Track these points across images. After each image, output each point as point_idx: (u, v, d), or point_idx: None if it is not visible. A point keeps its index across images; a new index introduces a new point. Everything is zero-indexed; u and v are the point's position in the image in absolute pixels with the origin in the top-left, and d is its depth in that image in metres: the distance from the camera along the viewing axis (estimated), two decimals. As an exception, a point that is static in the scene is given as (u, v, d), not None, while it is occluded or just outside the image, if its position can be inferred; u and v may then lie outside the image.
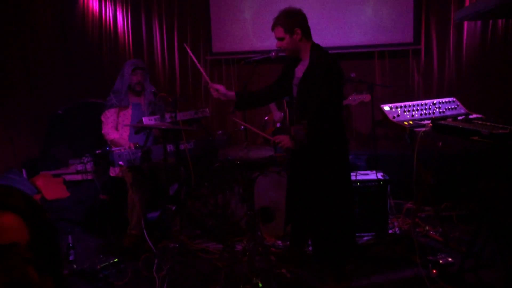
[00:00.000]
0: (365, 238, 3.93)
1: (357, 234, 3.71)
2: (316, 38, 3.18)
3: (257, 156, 3.38)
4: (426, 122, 3.24)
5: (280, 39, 3.08)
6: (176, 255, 3.57)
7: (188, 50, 3.69)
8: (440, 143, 3.62)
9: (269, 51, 3.41)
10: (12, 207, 1.04)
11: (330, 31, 5.63)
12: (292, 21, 3.02)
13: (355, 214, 3.59)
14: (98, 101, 5.73)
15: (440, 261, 3.43)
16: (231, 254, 3.72)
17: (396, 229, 4.13)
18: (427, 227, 4.12)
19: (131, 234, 4.01)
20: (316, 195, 3.11)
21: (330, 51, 3.23)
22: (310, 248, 3.75)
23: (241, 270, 3.38)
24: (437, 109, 3.51)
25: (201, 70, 3.64)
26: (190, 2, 6.12)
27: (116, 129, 4.18)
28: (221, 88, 3.37)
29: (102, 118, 4.16)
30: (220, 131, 4.37)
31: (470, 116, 3.32)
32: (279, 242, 3.96)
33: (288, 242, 3.74)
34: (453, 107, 3.56)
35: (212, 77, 6.16)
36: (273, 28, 3.10)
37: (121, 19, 6.34)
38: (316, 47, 3.09)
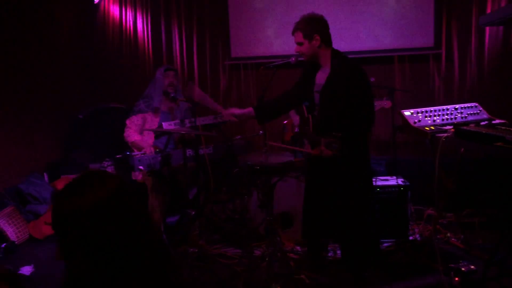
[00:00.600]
0: (385, 245, 3.88)
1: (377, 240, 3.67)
2: (336, 43, 3.17)
3: (276, 161, 3.37)
4: (448, 127, 3.19)
5: (299, 43, 3.09)
6: (195, 260, 3.58)
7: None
8: (463, 149, 3.56)
9: (289, 56, 3.41)
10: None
11: (349, 36, 5.60)
12: (312, 27, 3.02)
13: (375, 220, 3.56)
14: (118, 106, 5.80)
15: (462, 269, 3.36)
16: (250, 260, 3.71)
17: (417, 235, 4.07)
18: (448, 234, 4.06)
19: (150, 238, 4.03)
20: (341, 201, 3.08)
21: (349, 56, 3.21)
22: (330, 254, 3.73)
23: (260, 275, 3.37)
24: (459, 115, 3.45)
25: (210, 103, 3.66)
26: (209, 7, 6.16)
27: (141, 134, 4.21)
28: (235, 110, 3.39)
29: (127, 122, 4.20)
30: (238, 136, 4.37)
31: (493, 122, 3.26)
32: (298, 247, 3.94)
33: (306, 248, 3.73)
34: (475, 112, 3.50)
35: (231, 82, 6.19)
36: (293, 33, 3.10)
37: (141, 25, 6.41)
38: (336, 54, 3.08)
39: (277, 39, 5.84)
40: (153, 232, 1.28)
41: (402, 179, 4.08)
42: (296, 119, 4.73)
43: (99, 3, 6.47)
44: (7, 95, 4.96)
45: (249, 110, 3.37)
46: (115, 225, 1.16)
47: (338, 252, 3.85)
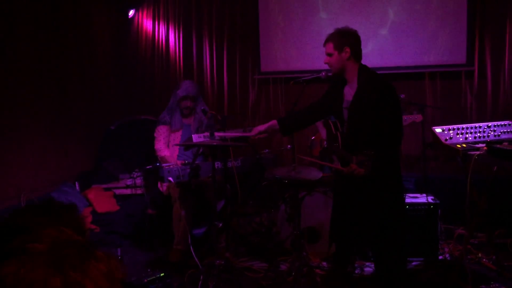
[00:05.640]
0: (414, 263, 3.82)
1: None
2: (365, 58, 3.16)
3: (305, 176, 3.37)
4: (480, 145, 3.15)
5: (329, 54, 3.09)
6: (222, 272, 3.59)
7: None
8: (495, 167, 3.49)
9: (318, 71, 3.42)
10: None
11: (380, 52, 5.58)
12: (344, 39, 3.03)
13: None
14: (149, 118, 5.92)
15: (494, 291, 3.29)
16: (276, 274, 3.70)
17: (447, 255, 3.99)
18: (479, 254, 3.96)
19: (177, 249, 4.08)
20: (375, 219, 3.05)
21: (379, 72, 3.20)
22: (357, 271, 3.69)
23: (286, 290, 3.36)
24: (492, 132, 3.40)
25: (237, 134, 3.73)
26: (240, 22, 6.24)
27: (168, 146, 4.32)
28: (260, 128, 3.41)
29: (155, 134, 4.34)
30: (266, 150, 4.39)
31: (528, 140, 3.20)
32: (324, 263, 3.91)
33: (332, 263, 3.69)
34: (509, 130, 3.44)
35: (260, 96, 6.23)
36: (325, 43, 3.12)
37: (173, 39, 6.54)
38: (364, 69, 3.06)
39: (307, 54, 5.85)
40: None
41: (432, 197, 4.01)
42: (323, 132, 4.71)
43: (133, 17, 6.64)
44: (43, 106, 5.11)
45: (273, 122, 3.38)
46: None
47: (365, 269, 3.81)
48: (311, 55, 5.80)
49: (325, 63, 3.15)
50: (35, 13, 5.00)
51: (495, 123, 3.50)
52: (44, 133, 5.14)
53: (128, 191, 5.34)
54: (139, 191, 5.02)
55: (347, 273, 3.53)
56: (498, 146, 2.89)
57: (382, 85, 2.97)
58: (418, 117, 4.38)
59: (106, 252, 0.95)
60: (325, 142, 4.66)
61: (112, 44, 6.48)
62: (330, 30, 3.16)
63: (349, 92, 3.09)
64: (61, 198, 5.01)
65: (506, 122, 3.51)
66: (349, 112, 3.06)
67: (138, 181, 5.06)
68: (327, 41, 3.10)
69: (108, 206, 5.15)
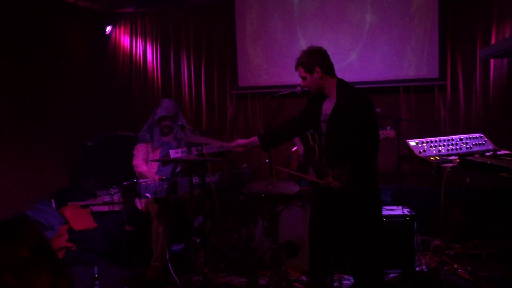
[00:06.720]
0: (392, 275, 3.85)
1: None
2: (341, 74, 3.21)
3: (282, 190, 3.39)
4: (453, 157, 3.21)
5: (302, 78, 3.14)
6: (200, 288, 3.56)
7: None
8: (468, 179, 3.57)
9: (295, 86, 3.46)
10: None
11: (354, 66, 5.69)
12: (311, 60, 3.07)
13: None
14: (126, 134, 5.88)
15: (470, 301, 3.34)
16: (254, 289, 3.69)
17: (424, 266, 4.04)
18: (455, 265, 4.02)
19: (155, 265, 4.04)
20: (352, 233, 3.06)
21: (355, 86, 3.26)
22: (336, 284, 3.70)
23: (265, 305, 3.35)
24: (464, 145, 3.48)
25: (213, 142, 3.74)
26: (217, 37, 6.29)
27: (146, 163, 4.31)
28: (239, 141, 3.43)
29: (134, 151, 4.34)
30: (245, 165, 4.41)
31: (498, 152, 3.28)
32: (303, 277, 3.92)
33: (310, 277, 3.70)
34: (480, 142, 3.52)
35: (238, 111, 6.26)
36: (296, 68, 3.16)
37: (151, 55, 6.54)
38: (341, 83, 3.11)
39: (284, 69, 5.91)
40: None
41: (408, 209, 4.07)
42: (301, 147, 4.76)
43: (110, 33, 6.62)
44: (18, 122, 5.04)
45: (254, 139, 3.40)
46: None
47: (344, 282, 3.82)
48: (288, 69, 5.85)
49: (302, 86, 3.20)
50: (10, 28, 4.96)
51: (467, 135, 3.58)
52: (19, 150, 5.06)
53: (105, 208, 5.28)
54: (117, 208, 4.97)
55: (325, 286, 3.53)
56: (469, 158, 2.95)
57: (359, 99, 3.01)
58: (391, 133, 4.46)
59: (59, 269, 0.97)
60: (302, 157, 4.71)
61: (89, 60, 6.44)
62: (306, 45, 3.20)
63: (328, 106, 3.13)
64: (37, 216, 4.92)
65: (477, 135, 3.59)
66: (327, 125, 3.10)
67: (116, 197, 5.02)
68: (297, 65, 3.15)
69: (85, 224, 5.08)
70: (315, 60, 3.07)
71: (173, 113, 4.39)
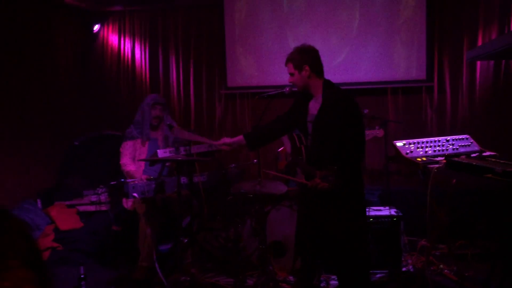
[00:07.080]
0: (378, 276, 3.87)
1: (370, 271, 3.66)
2: (329, 74, 3.22)
3: (270, 190, 3.39)
4: (439, 158, 3.23)
5: (291, 74, 3.15)
6: (187, 289, 3.55)
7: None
8: (454, 180, 3.59)
9: (283, 86, 3.47)
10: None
11: (343, 68, 5.71)
12: (302, 58, 3.08)
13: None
14: (113, 133, 5.84)
15: (455, 301, 3.37)
16: (242, 289, 3.68)
17: (410, 267, 4.07)
18: (441, 266, 4.05)
19: (142, 266, 4.01)
20: (337, 233, 3.07)
21: (343, 87, 3.27)
22: (323, 284, 3.71)
23: (252, 305, 3.35)
24: (450, 146, 3.50)
25: (200, 139, 3.74)
26: (206, 37, 6.27)
27: (134, 161, 4.26)
28: (226, 140, 3.43)
29: (121, 149, 4.27)
30: (233, 165, 4.40)
31: (484, 154, 3.30)
32: (291, 277, 3.92)
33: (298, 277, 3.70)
34: (466, 144, 3.55)
35: (227, 111, 6.26)
36: (286, 63, 3.17)
37: (139, 54, 6.50)
38: (328, 85, 3.12)
39: (273, 69, 5.92)
40: None
41: (395, 210, 4.09)
42: (288, 146, 4.76)
43: (98, 32, 6.57)
44: (2, 121, 4.98)
45: (240, 138, 3.40)
46: None
47: (331, 282, 3.83)
48: (277, 70, 5.86)
49: (290, 82, 3.20)
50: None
51: (454, 137, 3.60)
52: (4, 149, 5.00)
53: (92, 208, 5.23)
54: (103, 208, 4.93)
55: (312, 286, 3.54)
56: (456, 159, 2.97)
57: (346, 100, 3.02)
58: (380, 132, 4.49)
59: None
60: (290, 156, 4.71)
61: (75, 59, 6.38)
62: (294, 46, 3.21)
63: (314, 106, 3.14)
64: (22, 216, 4.86)
65: (464, 136, 3.62)
66: (313, 126, 3.10)
67: (103, 197, 4.98)
68: (287, 61, 3.16)
69: (71, 223, 5.03)
70: (306, 58, 3.08)
71: (163, 101, 4.38)
